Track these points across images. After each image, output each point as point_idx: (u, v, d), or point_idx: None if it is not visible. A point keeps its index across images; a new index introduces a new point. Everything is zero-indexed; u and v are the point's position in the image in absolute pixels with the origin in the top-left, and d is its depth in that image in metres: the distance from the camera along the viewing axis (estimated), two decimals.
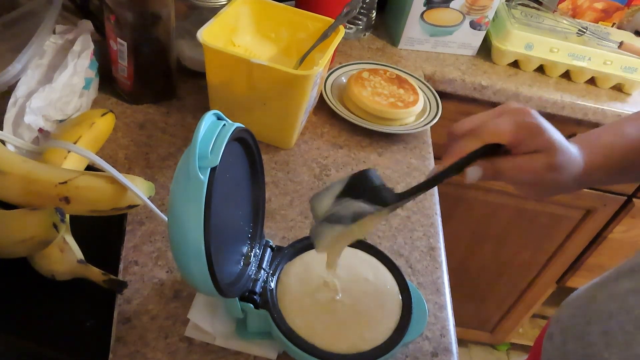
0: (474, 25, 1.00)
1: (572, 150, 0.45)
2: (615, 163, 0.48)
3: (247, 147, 0.47)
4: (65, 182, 0.51)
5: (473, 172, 0.44)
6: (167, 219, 0.41)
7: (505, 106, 0.44)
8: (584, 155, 0.47)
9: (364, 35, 1.04)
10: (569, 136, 0.45)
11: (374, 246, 0.56)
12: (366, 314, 0.50)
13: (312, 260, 0.54)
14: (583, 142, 0.48)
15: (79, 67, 0.68)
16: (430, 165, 0.78)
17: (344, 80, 0.86)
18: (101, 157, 0.54)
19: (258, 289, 0.49)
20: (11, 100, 0.62)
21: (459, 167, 0.43)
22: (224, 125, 0.41)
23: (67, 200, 0.51)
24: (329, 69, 0.87)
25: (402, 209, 0.70)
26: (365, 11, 1.00)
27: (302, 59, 0.75)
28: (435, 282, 0.62)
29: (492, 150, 0.43)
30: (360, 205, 0.44)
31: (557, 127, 0.44)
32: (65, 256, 0.52)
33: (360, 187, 0.45)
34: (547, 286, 1.38)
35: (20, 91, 0.63)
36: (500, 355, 1.70)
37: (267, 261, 0.52)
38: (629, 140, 0.48)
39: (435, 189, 0.74)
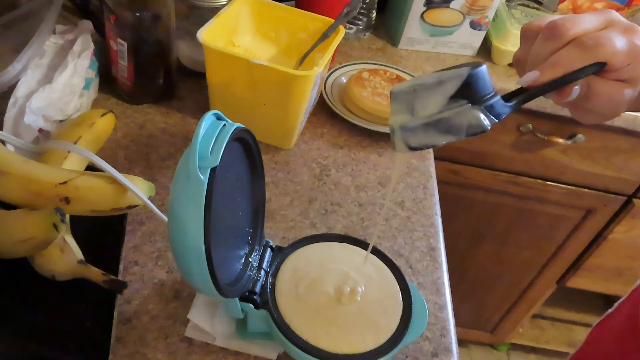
0: (474, 25, 1.00)
1: None
2: None
3: (247, 147, 0.47)
4: (65, 182, 0.51)
5: (576, 91, 0.39)
6: (167, 219, 0.41)
7: (609, 15, 0.40)
8: None
9: (364, 35, 1.04)
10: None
11: (373, 246, 0.56)
12: (366, 314, 0.50)
13: (312, 260, 0.54)
14: None
15: (79, 67, 0.68)
16: (430, 166, 0.78)
17: (344, 81, 0.86)
18: (101, 157, 0.54)
19: (258, 289, 0.49)
20: (11, 100, 0.62)
21: (566, 82, 0.38)
22: (224, 125, 0.41)
23: (67, 200, 0.51)
24: (329, 69, 0.87)
25: (402, 209, 0.70)
26: (365, 11, 1.00)
27: (302, 59, 0.75)
28: (435, 282, 0.62)
29: (597, 70, 0.38)
30: (476, 117, 0.35)
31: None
32: (65, 256, 0.52)
33: (477, 89, 0.35)
34: (547, 286, 1.38)
35: (20, 91, 0.63)
36: (500, 356, 1.70)
37: (267, 261, 0.52)
38: None
39: (435, 189, 0.74)
